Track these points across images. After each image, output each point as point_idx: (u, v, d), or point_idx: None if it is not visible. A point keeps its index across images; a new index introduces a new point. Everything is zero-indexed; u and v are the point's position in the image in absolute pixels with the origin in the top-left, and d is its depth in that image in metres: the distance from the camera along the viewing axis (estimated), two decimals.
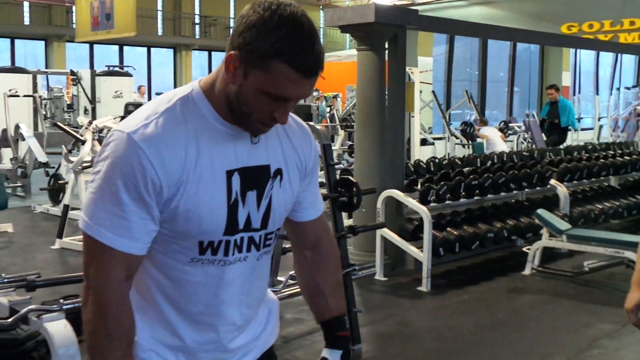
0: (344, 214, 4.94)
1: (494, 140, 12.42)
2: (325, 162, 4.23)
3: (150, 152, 1.24)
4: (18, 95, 11.15)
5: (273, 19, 1.22)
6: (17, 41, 21.72)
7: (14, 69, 12.94)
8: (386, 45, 5.90)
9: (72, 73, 13.79)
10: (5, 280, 3.15)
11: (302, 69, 1.23)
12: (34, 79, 12.84)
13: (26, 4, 20.18)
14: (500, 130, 13.42)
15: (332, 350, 1.60)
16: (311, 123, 4.87)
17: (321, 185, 4.41)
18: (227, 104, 1.31)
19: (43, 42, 22.02)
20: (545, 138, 11.97)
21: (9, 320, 2.78)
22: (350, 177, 4.42)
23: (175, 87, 22.01)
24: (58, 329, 2.68)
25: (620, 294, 5.31)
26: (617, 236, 5.89)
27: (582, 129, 18.38)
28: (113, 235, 1.26)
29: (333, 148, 12.10)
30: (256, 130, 1.34)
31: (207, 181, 1.30)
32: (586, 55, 22.56)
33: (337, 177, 4.37)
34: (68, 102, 14.21)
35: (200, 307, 1.42)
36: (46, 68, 19.58)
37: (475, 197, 6.23)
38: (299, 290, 3.34)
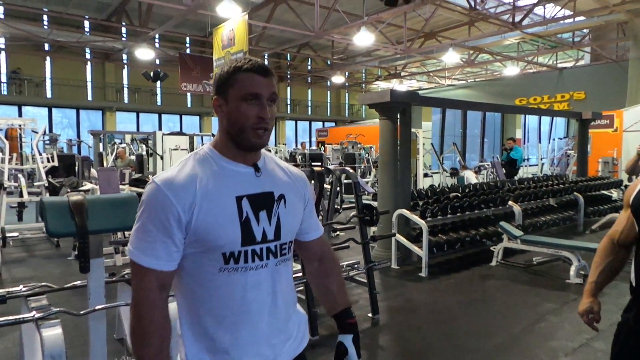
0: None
1: (470, 179, 12.01)
2: (355, 193, 3.93)
3: (167, 189, 1.08)
4: (177, 149, 11.29)
5: (229, 63, 1.17)
6: (184, 117, 22.36)
7: (178, 133, 13.22)
8: (398, 116, 5.57)
9: (213, 135, 13.91)
10: None
11: (256, 70, 1.13)
12: (191, 139, 13.00)
13: (188, 95, 20.72)
14: (475, 172, 13.04)
15: (345, 335, 1.33)
16: (348, 167, 4.55)
17: (351, 208, 4.12)
18: (228, 139, 1.15)
19: (198, 117, 22.57)
20: (504, 172, 11.31)
21: None
22: (371, 203, 4.09)
23: (275, 143, 22.25)
24: (173, 305, 2.45)
25: (559, 281, 4.77)
26: (555, 240, 5.32)
27: (530, 165, 17.43)
28: (144, 256, 1.08)
29: (367, 180, 11.81)
30: (255, 139, 1.14)
31: (218, 204, 1.10)
32: (532, 118, 21.58)
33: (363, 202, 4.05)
34: None
35: (231, 310, 1.13)
36: (200, 132, 20.06)
37: (458, 213, 5.75)
38: None
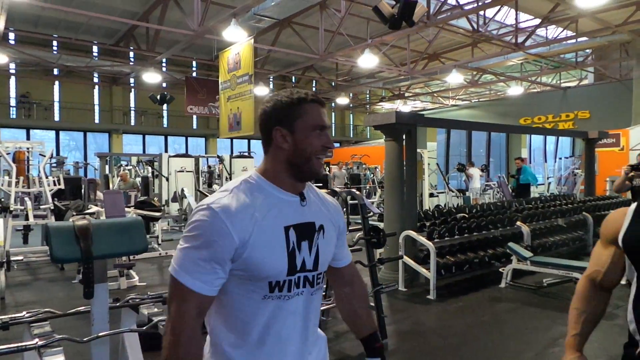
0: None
1: (475, 177, 12.06)
2: (362, 215, 3.89)
3: (225, 217, 1.07)
4: (182, 171, 11.32)
5: (286, 94, 1.18)
6: (189, 138, 22.51)
7: (183, 155, 13.26)
8: (403, 137, 5.57)
9: (219, 157, 13.98)
10: (149, 297, 2.92)
11: (318, 102, 1.18)
12: (196, 160, 13.04)
13: (194, 117, 20.93)
14: (482, 170, 13.34)
15: (372, 359, 1.37)
16: (354, 190, 4.52)
17: (358, 230, 4.08)
18: (283, 168, 1.17)
19: (204, 139, 22.71)
20: (513, 193, 11.25)
21: (144, 328, 2.52)
22: (378, 225, 4.06)
23: None
24: None
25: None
26: (565, 262, 5.22)
27: (537, 185, 17.33)
28: (190, 277, 1.07)
29: (373, 200, 11.77)
30: (317, 168, 1.18)
31: (269, 234, 1.12)
32: (537, 137, 21.57)
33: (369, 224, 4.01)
34: (218, 174, 14.38)
35: (271, 335, 1.15)
36: (205, 154, 20.17)
37: (465, 234, 5.68)
38: None
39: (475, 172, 12.40)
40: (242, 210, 1.09)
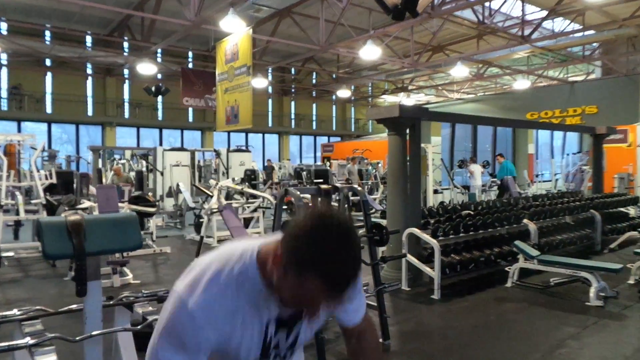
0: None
1: (476, 174, 12.03)
2: (364, 212, 3.86)
3: (203, 319, 1.01)
4: (178, 165, 11.28)
5: (318, 230, 0.92)
6: (185, 132, 22.43)
7: (179, 149, 13.22)
8: (407, 131, 5.53)
9: (215, 151, 13.92)
10: (144, 295, 2.89)
11: (334, 286, 0.92)
12: (192, 154, 12.98)
13: (190, 109, 20.85)
14: (483, 166, 13.28)
15: None
16: (355, 185, 4.48)
17: (361, 227, 4.05)
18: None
19: (200, 132, 22.64)
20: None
21: (139, 327, 2.49)
22: (380, 222, 4.02)
23: (279, 158, 22.11)
24: None
25: (578, 304, 4.64)
26: (573, 261, 5.21)
27: (544, 181, 17.31)
28: None
29: (375, 196, 11.74)
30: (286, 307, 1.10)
31: (249, 333, 1.08)
32: (544, 132, 21.55)
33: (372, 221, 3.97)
34: (214, 168, 14.33)
35: None
36: (201, 147, 20.11)
37: (471, 232, 5.65)
38: None
39: (476, 168, 12.34)
40: (223, 314, 1.04)
